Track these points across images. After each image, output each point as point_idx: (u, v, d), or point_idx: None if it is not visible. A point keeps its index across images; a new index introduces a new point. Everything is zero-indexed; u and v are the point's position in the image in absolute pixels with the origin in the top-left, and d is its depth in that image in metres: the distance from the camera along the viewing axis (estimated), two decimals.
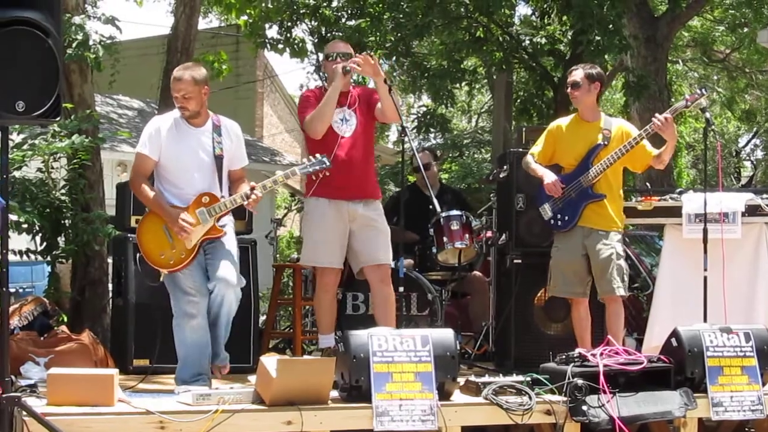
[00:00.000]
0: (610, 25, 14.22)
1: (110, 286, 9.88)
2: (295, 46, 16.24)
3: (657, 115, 7.98)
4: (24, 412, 5.88)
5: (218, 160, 7.37)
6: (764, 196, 8.90)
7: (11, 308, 8.11)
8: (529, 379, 6.92)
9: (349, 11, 16.61)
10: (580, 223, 8.05)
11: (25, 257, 9.65)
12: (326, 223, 7.97)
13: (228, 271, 7.24)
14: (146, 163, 7.32)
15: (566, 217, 8.09)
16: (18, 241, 9.24)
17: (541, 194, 8.19)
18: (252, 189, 7.26)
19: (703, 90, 8.16)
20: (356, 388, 6.48)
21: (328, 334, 8.22)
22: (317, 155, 7.50)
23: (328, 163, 7.48)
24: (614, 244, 7.99)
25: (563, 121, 8.34)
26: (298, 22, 16.42)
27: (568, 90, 8.19)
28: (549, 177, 8.10)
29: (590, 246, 8.03)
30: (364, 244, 8.03)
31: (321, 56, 17.37)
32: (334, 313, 8.39)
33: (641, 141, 7.99)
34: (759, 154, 36.09)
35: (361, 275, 8.27)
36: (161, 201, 7.25)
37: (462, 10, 16.26)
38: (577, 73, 8.16)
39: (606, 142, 8.05)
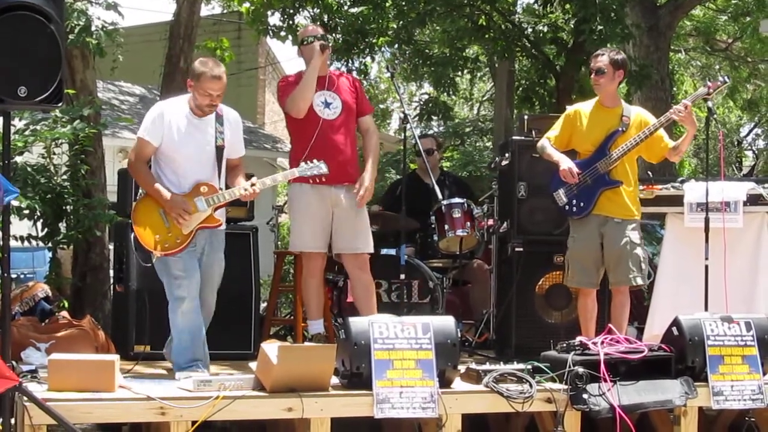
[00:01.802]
0: (613, 14, 14.17)
1: (111, 272, 9.88)
2: (298, 34, 16.18)
3: (678, 107, 7.88)
4: (25, 398, 5.89)
5: (219, 150, 7.37)
6: (766, 185, 8.89)
7: (12, 294, 8.12)
8: (529, 367, 6.93)
9: None
10: (595, 211, 7.95)
11: (26, 243, 9.66)
12: (310, 209, 8.03)
13: (213, 289, 7.45)
14: (147, 148, 7.26)
15: (581, 204, 7.98)
16: (19, 227, 9.24)
17: (554, 180, 8.09)
18: (252, 185, 7.31)
19: (726, 78, 8.12)
20: (357, 375, 6.49)
21: (317, 320, 8.27)
22: (314, 161, 7.59)
23: (325, 170, 7.55)
24: (629, 232, 7.89)
25: (582, 107, 8.22)
26: (300, 9, 16.36)
27: (592, 76, 8.08)
28: (565, 163, 7.99)
29: (606, 235, 7.92)
30: (344, 231, 8.10)
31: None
32: (322, 298, 8.43)
33: (660, 128, 7.93)
34: (761, 143, 36.06)
35: (339, 258, 8.38)
36: (159, 186, 7.22)
37: None
38: (603, 59, 8.00)
39: (624, 129, 7.95)
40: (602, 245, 7.97)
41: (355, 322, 6.63)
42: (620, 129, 7.97)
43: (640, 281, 7.96)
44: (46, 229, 9.75)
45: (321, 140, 7.87)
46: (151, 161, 7.36)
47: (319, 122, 7.98)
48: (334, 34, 16.17)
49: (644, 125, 7.96)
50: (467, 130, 26.45)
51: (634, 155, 8.06)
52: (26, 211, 9.24)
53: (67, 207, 9.82)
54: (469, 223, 9.31)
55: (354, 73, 16.01)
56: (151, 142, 7.24)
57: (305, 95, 7.96)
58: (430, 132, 20.76)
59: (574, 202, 8.03)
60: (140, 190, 7.40)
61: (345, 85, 8.25)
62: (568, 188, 8.02)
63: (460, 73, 18.06)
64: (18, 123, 9.24)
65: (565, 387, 6.79)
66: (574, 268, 8.09)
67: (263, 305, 10.23)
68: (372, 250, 8.21)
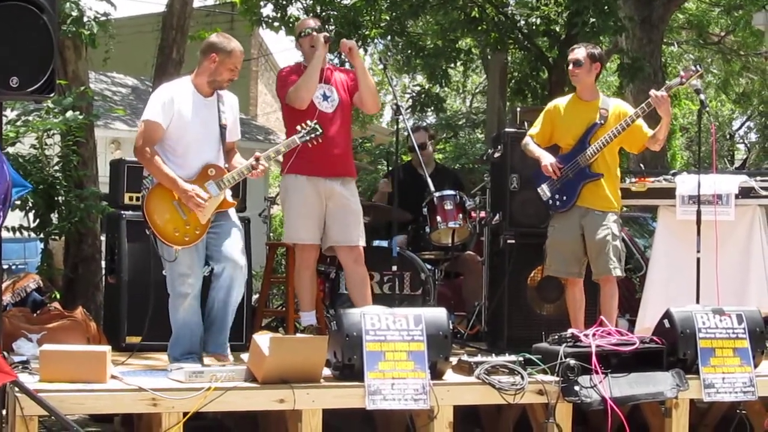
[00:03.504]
0: (606, 7, 14.18)
1: (103, 263, 9.86)
2: (291, 24, 16.16)
3: (653, 91, 7.97)
4: (16, 389, 5.88)
5: (223, 130, 7.28)
6: (758, 178, 8.90)
7: (4, 285, 8.11)
8: (521, 359, 6.93)
9: None
10: (577, 203, 8.04)
11: (18, 234, 9.64)
12: (305, 200, 8.04)
13: (236, 251, 7.22)
14: (158, 131, 7.06)
15: (564, 198, 8.08)
16: (11, 218, 9.21)
17: (538, 175, 8.17)
18: (257, 159, 7.21)
19: (698, 66, 8.15)
20: (349, 367, 6.48)
21: (310, 311, 8.28)
22: (308, 122, 7.52)
23: (320, 130, 7.51)
24: (610, 224, 7.99)
25: (561, 101, 8.33)
26: (293, 0, 16.36)
27: (569, 67, 8.16)
28: (546, 158, 8.07)
29: (587, 226, 8.03)
30: (339, 224, 8.10)
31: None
32: (315, 290, 8.45)
33: (637, 119, 7.99)
34: (753, 136, 36.14)
35: (330, 252, 8.39)
36: (174, 175, 7.03)
37: None
38: (579, 52, 8.13)
39: (603, 121, 8.04)
40: (583, 236, 8.03)
41: (347, 314, 6.62)
42: (599, 122, 8.06)
43: (619, 273, 8.04)
44: (37, 220, 9.73)
45: (323, 132, 7.84)
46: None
47: (315, 113, 7.97)
48: (327, 26, 16.16)
49: (623, 117, 8.06)
50: (460, 122, 26.45)
51: (615, 147, 8.13)
52: (18, 202, 9.22)
53: (59, 198, 9.80)
54: (461, 215, 9.30)
55: (347, 65, 15.98)
56: (162, 124, 7.07)
57: (309, 86, 8.00)
58: (423, 124, 20.75)
59: (557, 196, 8.12)
60: (144, 181, 7.24)
61: (340, 80, 8.28)
62: (551, 183, 8.11)
63: (453, 65, 18.06)
64: (9, 114, 9.22)
65: (557, 379, 6.79)
66: (552, 256, 8.21)
67: (255, 296, 10.23)
68: (364, 243, 8.22)
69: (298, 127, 7.53)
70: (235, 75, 7.28)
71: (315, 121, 7.56)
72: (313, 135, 7.48)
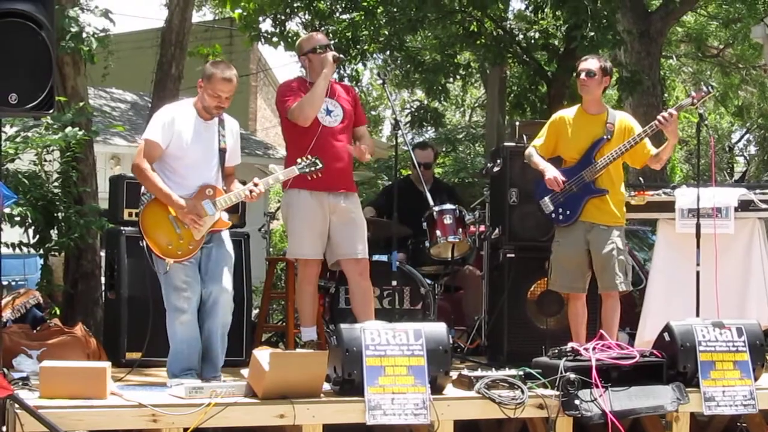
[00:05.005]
0: (604, 21, 14.22)
1: (103, 279, 9.85)
2: (289, 39, 16.21)
3: (662, 114, 7.92)
4: (16, 405, 5.88)
5: (222, 153, 7.34)
6: (757, 191, 8.90)
7: (4, 301, 8.11)
8: (521, 373, 6.91)
9: (343, 5, 16.61)
10: (581, 218, 7.99)
11: (17, 250, 9.63)
12: (308, 215, 8.01)
13: (225, 277, 7.26)
14: (156, 150, 7.15)
15: (568, 212, 8.03)
16: (11, 234, 9.23)
17: (540, 188, 8.13)
18: (256, 185, 7.27)
19: (710, 87, 8.13)
20: (349, 382, 6.48)
21: (311, 327, 8.24)
22: (309, 156, 7.57)
23: (320, 165, 7.54)
24: (615, 239, 7.95)
25: (566, 113, 8.26)
26: (292, 16, 16.41)
27: (581, 77, 8.05)
28: (550, 171, 8.01)
29: (592, 241, 7.98)
30: (343, 237, 8.07)
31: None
32: (317, 305, 8.43)
33: (645, 137, 7.97)
34: (752, 149, 36.20)
35: (336, 266, 8.34)
36: (170, 191, 7.11)
37: (456, 4, 16.27)
38: (593, 62, 8.06)
39: (609, 137, 7.99)
40: (588, 251, 8.01)
41: (347, 329, 6.62)
42: (605, 137, 8.01)
43: (624, 287, 8.02)
44: (37, 236, 9.72)
45: (319, 146, 7.83)
46: (154, 165, 7.24)
47: (318, 128, 7.97)
48: None
49: (629, 131, 8.00)
50: (459, 136, 26.49)
51: (619, 162, 8.08)
52: (18, 218, 9.22)
53: (59, 214, 9.79)
54: (460, 230, 9.28)
55: (345, 80, 16.03)
56: (161, 144, 7.15)
57: (315, 104, 7.95)
58: (426, 139, 20.76)
59: (561, 210, 8.06)
60: (142, 197, 7.29)
61: (344, 95, 8.26)
62: (553, 196, 8.06)
63: (451, 80, 18.10)
64: (9, 130, 9.23)
65: (557, 393, 6.78)
66: (557, 272, 8.15)
67: (255, 312, 10.22)
68: (367, 255, 8.20)
69: (299, 160, 7.57)
70: (220, 102, 7.24)
71: (317, 156, 7.57)
72: (312, 169, 7.53)
